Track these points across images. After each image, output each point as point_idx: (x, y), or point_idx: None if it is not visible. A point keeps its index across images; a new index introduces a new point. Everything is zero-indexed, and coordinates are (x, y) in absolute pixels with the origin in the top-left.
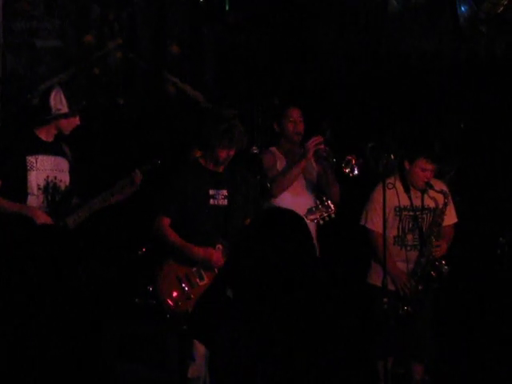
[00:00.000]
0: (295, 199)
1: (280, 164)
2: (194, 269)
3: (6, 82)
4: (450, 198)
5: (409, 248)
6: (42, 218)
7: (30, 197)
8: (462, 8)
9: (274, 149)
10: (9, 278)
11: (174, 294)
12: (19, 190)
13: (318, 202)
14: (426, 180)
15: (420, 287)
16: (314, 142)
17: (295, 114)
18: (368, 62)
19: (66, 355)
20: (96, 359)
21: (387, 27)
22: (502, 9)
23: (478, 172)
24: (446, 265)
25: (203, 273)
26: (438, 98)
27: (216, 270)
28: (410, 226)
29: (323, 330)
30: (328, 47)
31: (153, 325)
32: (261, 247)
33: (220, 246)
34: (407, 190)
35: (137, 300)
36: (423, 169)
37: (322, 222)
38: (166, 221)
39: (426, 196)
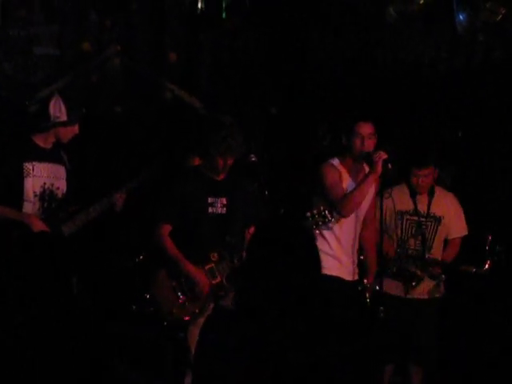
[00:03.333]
0: (357, 219)
1: (344, 181)
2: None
3: (3, 89)
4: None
5: (410, 252)
6: (39, 226)
7: (25, 203)
8: (460, 16)
9: (337, 162)
10: (4, 285)
11: (169, 301)
12: (15, 197)
13: (315, 212)
14: (424, 184)
15: (394, 270)
16: (380, 156)
17: (364, 129)
18: (366, 69)
19: (62, 360)
20: (92, 365)
21: (385, 34)
22: (500, 17)
23: (475, 179)
24: (442, 273)
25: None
26: (436, 105)
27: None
28: (413, 231)
29: (320, 334)
30: (326, 53)
31: (150, 332)
32: (266, 258)
33: (215, 255)
34: (413, 195)
35: (134, 307)
36: (416, 175)
37: (317, 231)
38: (166, 228)
39: (433, 202)
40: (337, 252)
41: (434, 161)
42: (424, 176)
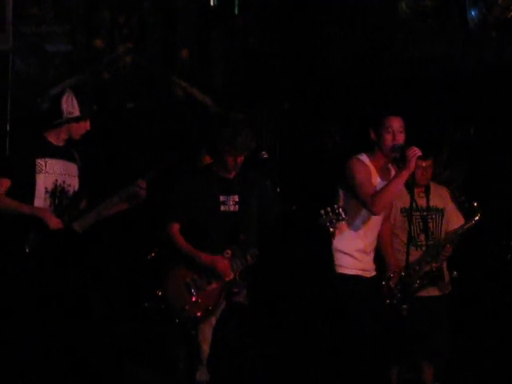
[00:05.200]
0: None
1: (373, 178)
2: (202, 273)
3: (15, 86)
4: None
5: (424, 248)
6: (53, 221)
7: (36, 200)
8: (472, 12)
9: (365, 158)
10: (15, 281)
11: (182, 298)
12: (27, 193)
13: (328, 210)
14: (426, 177)
15: (417, 283)
16: (415, 152)
17: (395, 123)
18: (377, 66)
19: (74, 358)
20: (104, 363)
21: (396, 31)
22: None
23: (487, 177)
24: (454, 270)
25: (211, 277)
26: (447, 103)
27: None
28: (421, 226)
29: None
30: (337, 51)
31: (161, 329)
32: (279, 254)
33: (229, 252)
34: (410, 191)
35: (146, 304)
36: (419, 167)
37: (332, 229)
38: (176, 226)
39: (431, 196)
40: (357, 251)
41: (435, 154)
42: (428, 167)
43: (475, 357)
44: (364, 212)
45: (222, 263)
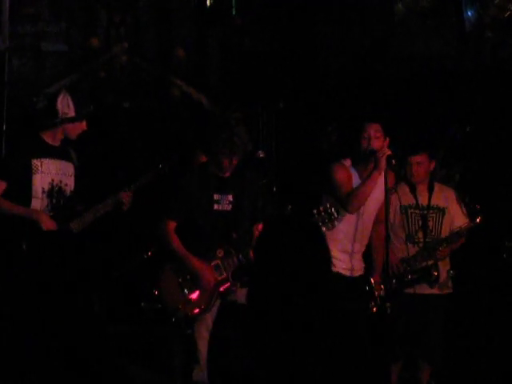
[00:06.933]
0: (359, 216)
1: (354, 181)
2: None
3: (11, 85)
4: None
5: (421, 245)
6: (48, 223)
7: (34, 200)
8: (469, 13)
9: (348, 163)
10: (14, 282)
11: (175, 298)
12: (23, 193)
13: (321, 209)
14: (418, 174)
15: (409, 277)
16: (384, 152)
17: (371, 129)
18: (374, 66)
19: (71, 357)
20: (101, 362)
21: (393, 30)
22: (508, 14)
23: (483, 176)
24: (451, 269)
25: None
26: (444, 101)
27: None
28: (420, 224)
29: (330, 333)
30: (335, 51)
31: (158, 328)
32: (277, 254)
33: (221, 251)
34: (413, 190)
35: (142, 304)
36: (410, 163)
37: (324, 228)
38: (172, 224)
39: (433, 195)
40: (339, 251)
41: (428, 150)
42: (417, 164)
43: (471, 357)
44: (347, 215)
45: (208, 276)
